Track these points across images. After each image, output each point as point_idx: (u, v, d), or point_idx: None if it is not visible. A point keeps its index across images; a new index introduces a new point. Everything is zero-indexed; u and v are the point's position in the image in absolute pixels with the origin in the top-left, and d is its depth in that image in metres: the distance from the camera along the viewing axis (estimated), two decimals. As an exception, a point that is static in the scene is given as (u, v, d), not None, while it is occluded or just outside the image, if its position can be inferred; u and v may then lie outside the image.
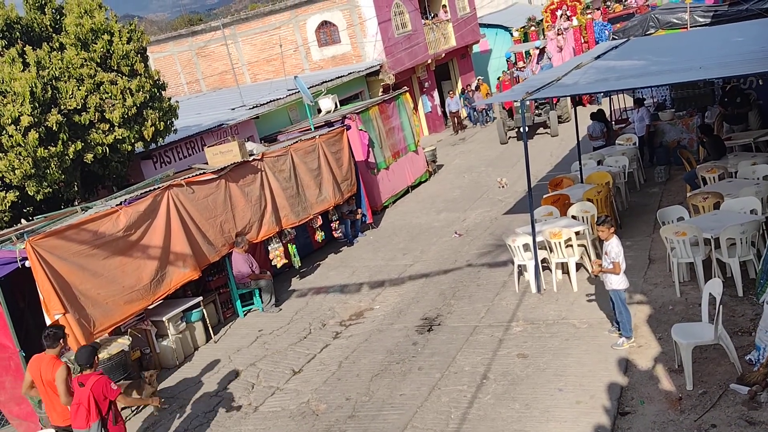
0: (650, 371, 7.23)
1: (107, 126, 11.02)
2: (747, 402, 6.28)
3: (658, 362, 7.34)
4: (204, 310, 10.64)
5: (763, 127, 13.51)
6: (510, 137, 21.89)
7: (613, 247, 7.60)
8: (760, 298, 7.64)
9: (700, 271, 8.64)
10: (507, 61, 25.51)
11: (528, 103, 10.87)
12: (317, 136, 13.83)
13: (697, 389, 6.69)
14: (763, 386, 6.35)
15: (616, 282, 7.64)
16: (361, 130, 15.98)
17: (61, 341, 6.84)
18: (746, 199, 9.33)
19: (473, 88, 27.71)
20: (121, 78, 11.20)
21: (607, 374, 7.39)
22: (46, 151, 10.09)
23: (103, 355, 8.79)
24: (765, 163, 10.89)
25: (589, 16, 25.06)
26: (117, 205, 9.55)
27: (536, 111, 21.54)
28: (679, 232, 8.68)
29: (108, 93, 11.02)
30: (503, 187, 15.71)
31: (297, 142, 13.46)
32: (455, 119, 26.16)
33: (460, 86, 29.36)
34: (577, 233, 10.07)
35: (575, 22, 24.03)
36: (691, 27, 17.15)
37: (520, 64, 23.57)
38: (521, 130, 19.13)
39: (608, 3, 34.32)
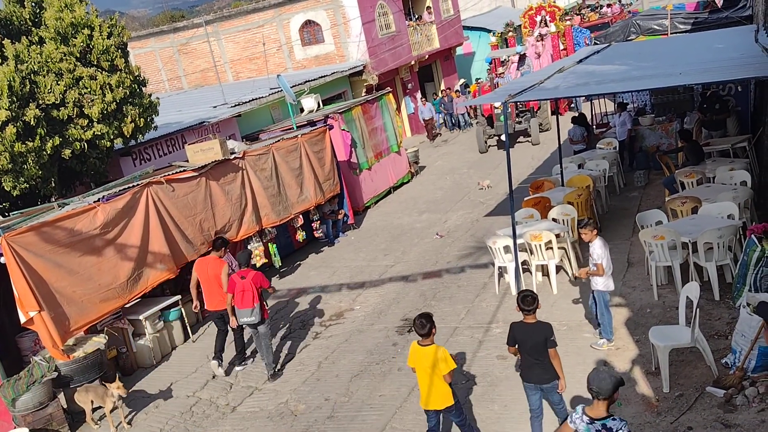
0: (628, 373, 7.28)
1: (86, 121, 10.86)
2: (723, 405, 6.34)
3: (635, 364, 7.39)
4: (182, 309, 10.54)
5: (741, 133, 13.68)
6: (490, 146, 21.05)
7: (596, 248, 7.66)
8: (737, 302, 7.74)
9: (677, 274, 8.72)
10: (489, 65, 24.42)
11: (510, 105, 10.89)
12: (299, 136, 13.77)
13: (674, 392, 6.75)
14: (738, 389, 6.42)
15: (601, 284, 7.68)
16: (343, 130, 15.94)
17: (224, 248, 9.55)
18: (724, 204, 9.44)
19: (459, 87, 27.62)
20: (101, 73, 11.06)
21: (585, 376, 7.40)
22: (23, 146, 9.92)
23: (78, 353, 8.68)
24: (742, 168, 11.03)
25: (568, 22, 24.88)
26: (94, 201, 9.42)
27: (517, 119, 20.83)
28: (658, 236, 8.76)
29: (87, 88, 10.86)
30: (484, 189, 15.70)
31: (279, 141, 13.39)
32: (428, 126, 25.14)
33: (440, 88, 29.41)
34: (557, 236, 10.12)
35: (553, 28, 23.70)
36: (671, 33, 17.35)
37: (500, 70, 22.72)
38: (502, 138, 19.24)
39: (583, 12, 34.62)
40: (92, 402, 8.27)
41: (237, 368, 9.32)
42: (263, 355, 8.86)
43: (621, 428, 4.55)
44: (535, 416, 6.31)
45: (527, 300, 6.04)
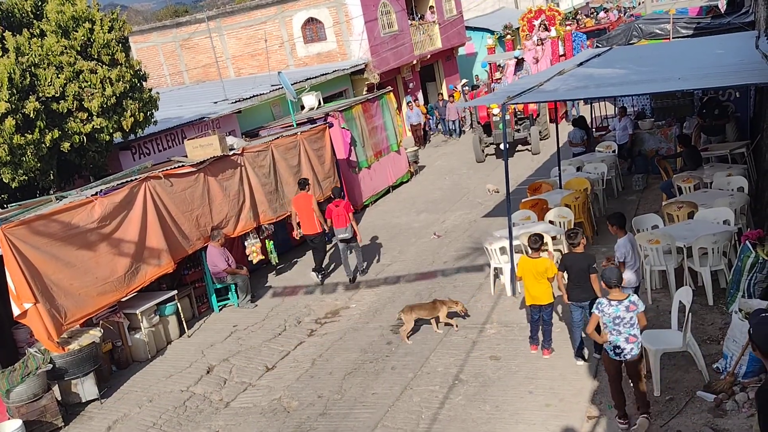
0: (620, 376, 7.30)
1: (85, 115, 10.89)
2: (713, 410, 6.37)
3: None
4: (178, 304, 10.57)
5: (740, 139, 13.69)
6: (487, 154, 19.96)
7: (620, 247, 7.71)
8: (730, 308, 7.76)
9: (671, 279, 8.75)
10: (489, 69, 22.69)
11: (509, 112, 10.89)
12: (299, 133, 13.79)
13: (665, 395, 6.77)
14: (729, 394, 6.44)
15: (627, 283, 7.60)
16: (343, 128, 15.96)
17: (308, 186, 12.06)
18: (720, 209, 9.46)
19: (460, 87, 27.48)
20: (101, 67, 11.08)
21: (577, 378, 7.46)
22: (23, 138, 9.95)
23: (73, 346, 8.70)
24: (740, 174, 11.05)
25: (569, 27, 24.38)
26: (92, 195, 9.46)
27: (516, 126, 19.62)
28: (653, 240, 8.77)
29: (87, 81, 10.89)
30: (491, 193, 15.58)
31: (278, 138, 13.41)
32: (416, 133, 23.96)
33: (442, 89, 29.42)
34: (553, 238, 10.15)
35: (553, 33, 23.06)
36: (673, 38, 17.36)
37: (497, 75, 21.44)
38: (500, 146, 18.78)
39: (579, 18, 34.51)
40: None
41: (317, 277, 11.92)
42: (351, 263, 11.83)
43: (639, 300, 6.16)
44: (576, 327, 7.59)
45: (571, 235, 7.45)
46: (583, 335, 7.52)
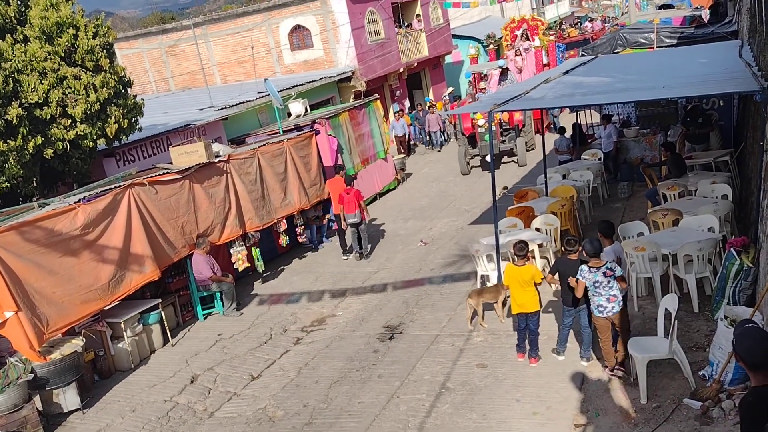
0: (606, 384, 7.30)
1: (69, 121, 10.77)
2: (699, 417, 6.37)
3: (614, 375, 7.41)
4: (162, 313, 10.45)
5: (724, 147, 13.81)
6: (472, 166, 19.51)
7: (607, 254, 7.67)
8: (715, 315, 7.79)
9: (657, 286, 8.77)
10: (473, 79, 22.28)
11: (494, 117, 10.90)
12: (285, 140, 13.74)
13: (651, 403, 6.78)
14: (715, 402, 6.45)
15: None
16: (330, 135, 15.92)
17: (342, 170, 14.14)
18: (704, 217, 9.52)
19: (446, 96, 27.50)
20: (85, 73, 10.97)
21: (564, 386, 7.44)
22: (5, 144, 9.81)
23: (54, 355, 8.58)
24: (724, 182, 11.14)
25: (552, 37, 24.06)
26: (75, 202, 9.35)
27: (501, 138, 19.15)
28: (639, 248, 8.80)
29: (71, 88, 10.77)
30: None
31: (265, 145, 13.34)
32: (401, 144, 23.24)
33: (429, 96, 29.49)
34: (540, 245, 10.17)
35: (537, 43, 22.87)
36: (657, 47, 17.51)
37: (482, 85, 21.03)
38: (486, 158, 18.53)
39: (563, 27, 34.67)
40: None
41: (343, 257, 13.49)
42: (360, 243, 13.20)
43: (616, 266, 7.10)
44: (566, 329, 7.93)
45: (570, 242, 7.61)
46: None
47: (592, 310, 7.30)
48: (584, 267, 7.15)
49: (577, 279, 7.18)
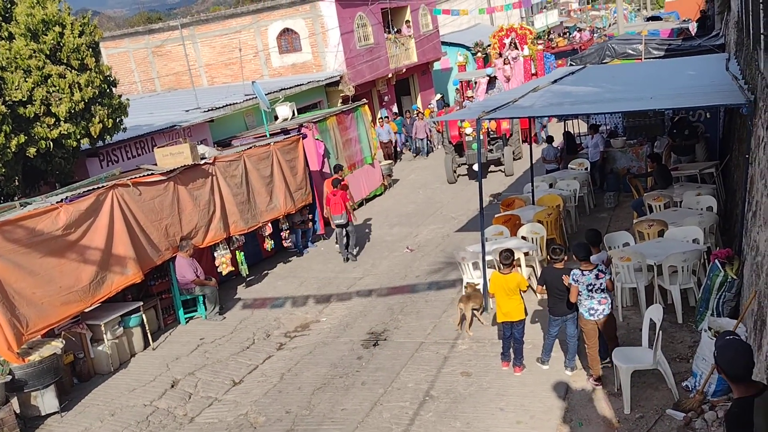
0: (590, 394, 7.29)
1: (53, 120, 10.64)
2: (682, 428, 6.37)
3: (598, 385, 7.40)
4: (143, 316, 10.32)
5: (710, 159, 13.91)
6: (459, 175, 19.28)
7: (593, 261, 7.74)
8: (699, 326, 7.81)
9: (642, 296, 8.79)
10: (460, 87, 22.30)
11: (482, 124, 10.90)
12: (272, 143, 13.65)
13: (635, 413, 6.77)
14: (698, 413, 6.45)
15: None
16: (317, 139, 15.86)
17: (340, 172, 14.23)
18: (689, 228, 9.55)
19: (434, 103, 27.48)
20: (70, 72, 10.85)
21: (548, 395, 7.42)
22: (-13, 142, 9.68)
23: (33, 357, 8.44)
24: (709, 194, 11.20)
25: (540, 46, 23.96)
26: (57, 202, 9.22)
27: (488, 147, 19.05)
28: (624, 258, 8.81)
29: (55, 86, 10.65)
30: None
31: (251, 148, 13.25)
32: (386, 150, 23.02)
33: (417, 102, 29.52)
34: (525, 254, 10.16)
35: (526, 52, 22.76)
36: (645, 58, 17.64)
37: (469, 93, 20.89)
38: (474, 167, 18.34)
39: (552, 37, 34.85)
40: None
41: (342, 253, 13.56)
42: (346, 245, 13.41)
43: (604, 269, 7.32)
44: (551, 339, 7.89)
45: (556, 251, 7.59)
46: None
47: (582, 314, 7.31)
48: (576, 271, 7.21)
49: (570, 283, 7.22)
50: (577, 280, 7.18)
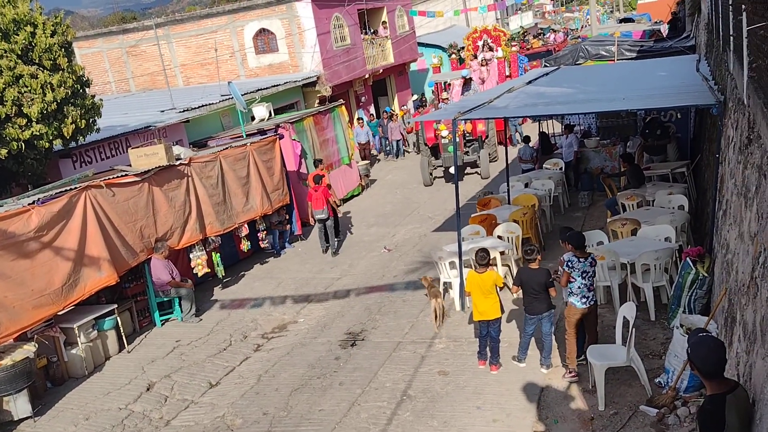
0: (565, 391, 7.37)
1: (24, 121, 10.48)
2: (655, 424, 6.46)
3: (573, 382, 7.48)
4: (118, 318, 10.22)
5: (681, 159, 14.15)
6: (435, 177, 19.09)
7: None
8: (671, 323, 7.93)
9: (616, 294, 8.90)
10: (435, 88, 22.08)
11: (459, 123, 10.95)
12: (249, 144, 13.59)
13: (609, 410, 6.86)
14: (671, 409, 6.55)
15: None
16: (294, 140, 15.82)
17: (321, 164, 15.31)
18: (662, 227, 9.71)
19: (411, 103, 27.51)
20: (42, 72, 10.71)
21: (524, 393, 7.48)
22: (-45, 143, 9.51)
23: (5, 361, 8.30)
24: (681, 193, 11.38)
25: (514, 48, 24.05)
26: (29, 204, 9.08)
27: (465, 149, 18.99)
28: (598, 256, 8.91)
29: (27, 87, 10.50)
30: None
31: (227, 148, 13.18)
32: (364, 151, 22.75)
33: (394, 103, 29.57)
34: (501, 253, 10.24)
35: (500, 53, 22.82)
36: (618, 60, 17.87)
37: (444, 95, 20.65)
38: (450, 170, 18.26)
39: (527, 38, 35.09)
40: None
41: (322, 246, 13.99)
42: (327, 239, 13.86)
43: (596, 259, 7.69)
44: (528, 337, 7.99)
45: (529, 251, 7.68)
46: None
47: (573, 304, 7.44)
48: (573, 258, 7.39)
49: (564, 269, 7.41)
50: (573, 267, 7.35)
